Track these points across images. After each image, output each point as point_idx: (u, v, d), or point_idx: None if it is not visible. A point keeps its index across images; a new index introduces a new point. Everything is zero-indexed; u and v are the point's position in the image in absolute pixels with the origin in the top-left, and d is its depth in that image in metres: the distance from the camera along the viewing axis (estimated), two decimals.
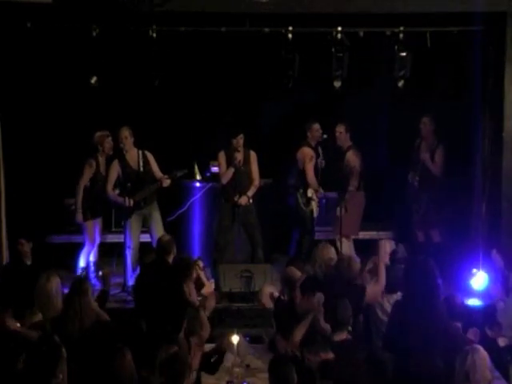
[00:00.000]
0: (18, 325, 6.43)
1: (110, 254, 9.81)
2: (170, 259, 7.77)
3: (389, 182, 10.06)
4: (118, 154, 9.29)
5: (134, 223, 9.34)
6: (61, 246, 10.05)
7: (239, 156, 9.53)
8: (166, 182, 9.31)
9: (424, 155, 9.61)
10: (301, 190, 9.80)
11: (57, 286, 6.67)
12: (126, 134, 9.24)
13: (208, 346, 6.29)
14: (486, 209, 9.51)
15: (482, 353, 5.52)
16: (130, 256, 9.27)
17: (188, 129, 10.35)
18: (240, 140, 9.46)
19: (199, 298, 7.53)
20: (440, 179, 9.67)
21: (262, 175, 9.69)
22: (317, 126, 9.80)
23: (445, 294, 6.75)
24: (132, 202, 9.20)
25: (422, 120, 9.68)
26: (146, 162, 9.35)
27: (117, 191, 9.33)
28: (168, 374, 5.38)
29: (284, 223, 10.16)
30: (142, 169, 9.32)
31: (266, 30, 9.34)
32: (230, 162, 9.51)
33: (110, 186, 9.30)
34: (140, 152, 9.37)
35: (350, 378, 5.81)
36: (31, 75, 9.38)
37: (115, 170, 9.29)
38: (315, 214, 9.87)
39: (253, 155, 9.62)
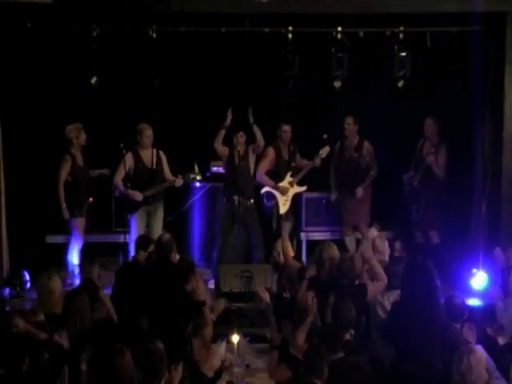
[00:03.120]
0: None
1: (110, 253, 9.79)
2: (173, 257, 7.75)
3: (389, 182, 10.05)
4: (136, 149, 9.32)
5: (139, 218, 9.35)
6: (60, 246, 10.03)
7: (239, 153, 9.52)
8: (179, 182, 9.33)
9: (430, 158, 9.51)
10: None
11: (58, 285, 6.69)
12: (149, 133, 9.30)
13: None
14: (486, 209, 9.51)
15: (479, 353, 5.49)
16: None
17: (188, 129, 10.35)
18: (240, 138, 9.46)
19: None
20: (440, 180, 9.65)
21: None
22: (286, 127, 9.82)
23: (445, 294, 6.75)
24: (141, 197, 9.21)
25: (426, 121, 9.63)
26: (159, 161, 9.40)
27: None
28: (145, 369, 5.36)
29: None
30: (154, 166, 9.36)
31: (266, 29, 9.38)
32: (231, 153, 9.51)
33: (118, 178, 9.27)
34: (154, 151, 9.43)
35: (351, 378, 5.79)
36: (31, 75, 9.38)
37: (127, 163, 9.24)
38: (281, 212, 9.83)
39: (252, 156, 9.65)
